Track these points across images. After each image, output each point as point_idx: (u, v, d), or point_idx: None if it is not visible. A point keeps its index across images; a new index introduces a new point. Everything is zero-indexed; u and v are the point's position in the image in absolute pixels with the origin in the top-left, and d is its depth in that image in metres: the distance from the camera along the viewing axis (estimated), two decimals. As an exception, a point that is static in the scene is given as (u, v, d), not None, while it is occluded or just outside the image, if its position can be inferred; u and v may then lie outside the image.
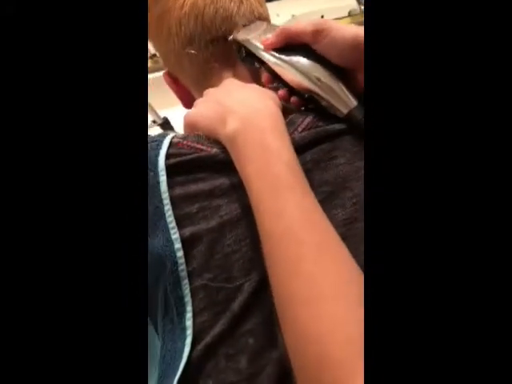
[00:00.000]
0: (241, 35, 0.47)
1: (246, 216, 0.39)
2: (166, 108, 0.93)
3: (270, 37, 0.45)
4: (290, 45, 0.44)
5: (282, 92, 0.45)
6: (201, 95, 0.49)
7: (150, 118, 0.93)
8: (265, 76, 0.47)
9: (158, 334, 0.44)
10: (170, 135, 0.43)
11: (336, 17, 1.15)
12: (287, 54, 0.45)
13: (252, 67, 0.49)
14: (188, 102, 0.54)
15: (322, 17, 1.21)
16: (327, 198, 0.39)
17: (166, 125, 0.92)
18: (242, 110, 0.40)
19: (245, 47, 0.47)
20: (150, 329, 0.45)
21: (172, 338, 0.39)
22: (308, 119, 0.43)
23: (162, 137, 0.42)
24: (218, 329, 0.38)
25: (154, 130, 0.94)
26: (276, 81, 0.47)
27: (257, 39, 0.46)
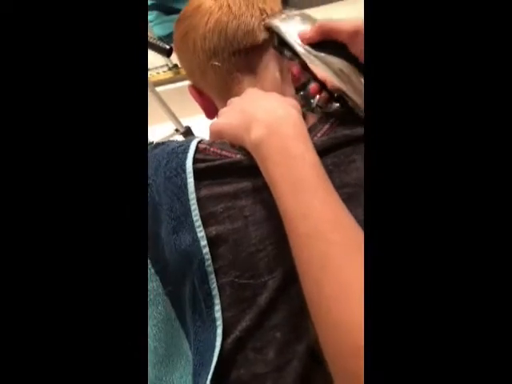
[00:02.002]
0: (276, 22, 0.49)
1: (270, 216, 0.42)
2: (188, 117, 0.96)
3: (308, 31, 0.47)
4: (326, 41, 0.46)
5: (314, 86, 0.48)
6: (224, 105, 0.52)
7: (173, 126, 0.97)
8: (296, 69, 0.49)
9: (184, 331, 0.46)
10: (196, 140, 0.46)
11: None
12: (322, 51, 0.46)
13: (282, 56, 0.51)
14: (212, 112, 0.58)
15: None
16: (348, 199, 0.41)
17: (188, 133, 0.95)
18: (265, 118, 0.42)
19: (278, 35, 0.48)
20: (175, 327, 0.47)
21: (203, 330, 0.42)
22: (327, 126, 0.46)
23: (188, 142, 0.45)
24: (245, 323, 0.40)
25: (176, 138, 0.98)
26: (306, 75, 0.48)
27: (293, 30, 0.48)
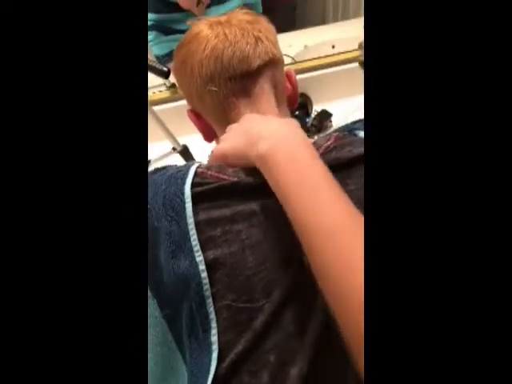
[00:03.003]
0: None
1: (266, 240, 0.43)
2: (185, 135, 0.97)
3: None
4: None
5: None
6: (221, 129, 0.53)
7: (170, 145, 0.98)
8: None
9: (180, 353, 0.47)
10: (195, 165, 0.47)
11: (346, 49, 1.20)
12: None
13: None
14: (209, 136, 0.59)
15: (333, 47, 1.27)
16: None
17: (185, 151, 0.96)
18: (271, 134, 0.43)
19: None
20: (172, 350, 0.48)
21: (199, 354, 0.42)
22: (321, 150, 0.48)
23: (187, 167, 0.47)
24: (241, 346, 0.41)
25: (174, 157, 0.99)
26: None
27: None
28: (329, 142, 0.49)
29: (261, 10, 1.26)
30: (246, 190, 0.44)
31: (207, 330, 0.42)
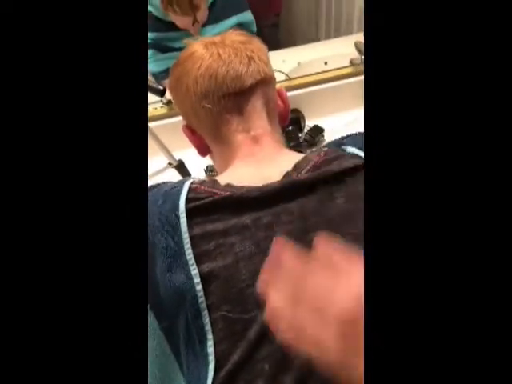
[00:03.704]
0: None
1: (259, 252, 0.44)
2: (180, 150, 1.00)
3: None
4: None
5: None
6: (215, 143, 0.55)
7: (166, 160, 1.00)
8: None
9: (178, 364, 0.48)
10: (189, 181, 0.49)
11: (338, 66, 1.23)
12: None
13: None
14: (204, 150, 0.61)
15: (326, 63, 1.30)
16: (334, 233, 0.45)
17: (181, 166, 0.98)
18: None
19: None
20: (170, 361, 0.49)
21: (196, 365, 0.44)
22: (317, 158, 0.50)
23: (181, 183, 0.49)
24: (236, 356, 0.42)
25: (170, 171, 1.01)
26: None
27: None
28: (317, 158, 0.51)
29: (255, 29, 1.30)
30: (238, 203, 0.46)
31: (203, 342, 0.43)
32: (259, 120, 0.56)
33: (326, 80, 1.21)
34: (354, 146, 0.55)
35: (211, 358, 0.42)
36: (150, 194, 0.49)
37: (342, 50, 1.33)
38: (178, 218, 0.45)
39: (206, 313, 0.43)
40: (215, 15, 1.22)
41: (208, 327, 0.43)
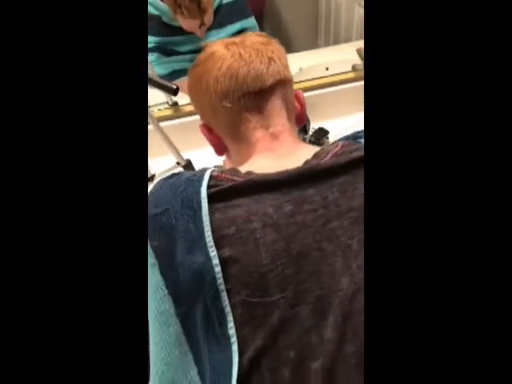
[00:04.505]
0: None
1: (280, 238, 0.45)
2: (186, 151, 1.01)
3: None
4: None
5: None
6: (232, 142, 0.57)
7: (174, 159, 1.01)
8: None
9: (192, 355, 0.47)
10: (210, 170, 0.50)
11: (340, 71, 1.26)
12: None
13: None
14: (221, 149, 0.62)
15: (327, 69, 1.33)
16: (354, 223, 0.46)
17: (188, 166, 0.99)
18: None
19: None
20: (184, 351, 0.48)
21: (218, 349, 0.44)
22: (336, 149, 0.52)
23: (202, 171, 0.50)
24: (258, 342, 0.42)
25: (178, 171, 1.02)
26: None
27: None
28: (337, 149, 0.52)
29: (258, 35, 1.32)
30: (259, 188, 0.47)
31: (224, 324, 0.43)
32: (279, 118, 0.57)
33: (329, 84, 1.23)
34: None
35: (234, 340, 0.43)
36: (171, 180, 0.50)
37: (342, 56, 1.36)
38: (199, 202, 0.46)
39: (224, 294, 0.44)
40: (220, 20, 1.24)
41: (228, 309, 0.43)
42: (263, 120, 0.56)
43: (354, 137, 0.58)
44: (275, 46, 0.58)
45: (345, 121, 1.18)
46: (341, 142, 0.54)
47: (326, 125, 1.17)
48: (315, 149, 0.55)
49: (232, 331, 0.43)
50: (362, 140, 0.56)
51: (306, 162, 0.50)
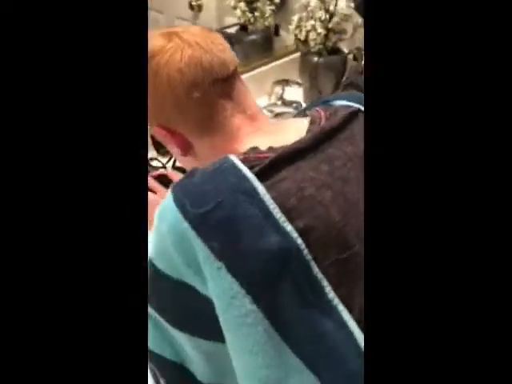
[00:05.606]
0: None
1: (338, 194, 0.46)
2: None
3: None
4: None
5: None
6: (201, 137, 0.54)
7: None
8: None
9: (288, 344, 0.44)
10: (231, 156, 0.47)
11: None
12: None
13: None
14: (186, 149, 0.56)
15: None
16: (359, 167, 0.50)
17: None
18: None
19: None
20: (278, 342, 0.44)
21: (323, 318, 0.43)
22: (322, 112, 0.53)
23: (223, 160, 0.46)
24: (358, 299, 0.43)
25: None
26: None
27: None
28: (322, 112, 0.54)
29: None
30: (292, 159, 0.47)
31: (321, 291, 0.43)
32: (249, 100, 0.55)
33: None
34: (340, 100, 0.58)
35: (336, 301, 0.43)
36: (194, 180, 0.46)
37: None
38: (250, 184, 0.44)
39: (313, 263, 0.43)
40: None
41: (320, 275, 0.43)
42: (237, 105, 0.54)
43: (323, 102, 0.59)
44: (217, 34, 0.56)
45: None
46: (317, 108, 0.56)
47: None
48: (299, 119, 0.56)
49: (331, 294, 0.43)
50: (335, 102, 0.58)
51: (309, 130, 0.52)
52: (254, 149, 0.48)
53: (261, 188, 0.44)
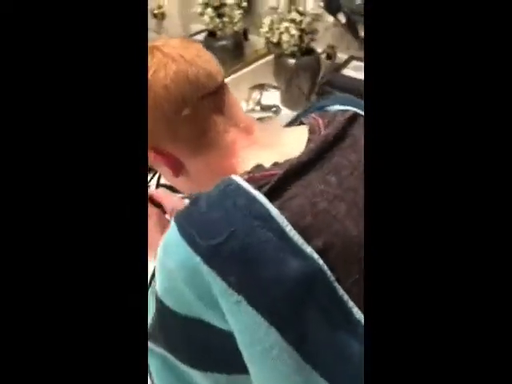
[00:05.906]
0: None
1: (351, 205, 0.45)
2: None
3: None
4: None
5: None
6: (194, 156, 0.50)
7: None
8: None
9: (316, 371, 0.42)
10: (236, 177, 0.44)
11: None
12: None
13: None
14: (178, 169, 0.53)
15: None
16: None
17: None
18: None
19: None
20: (304, 368, 0.42)
21: (356, 338, 0.42)
22: (320, 120, 0.52)
23: (227, 182, 0.43)
24: None
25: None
26: None
27: None
28: (320, 119, 0.52)
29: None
30: (299, 174, 0.45)
31: (347, 312, 0.41)
32: (240, 112, 0.53)
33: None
34: (334, 104, 0.56)
35: (363, 320, 0.42)
36: (201, 207, 0.43)
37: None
38: (262, 206, 0.41)
39: (337, 285, 0.41)
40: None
41: (346, 297, 0.41)
42: (229, 119, 0.51)
43: (319, 107, 0.58)
44: (197, 46, 0.52)
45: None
46: (313, 115, 0.54)
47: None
48: (298, 128, 0.54)
49: (359, 315, 0.41)
50: (330, 107, 0.57)
51: (310, 140, 0.49)
52: (259, 167, 0.46)
53: (273, 210, 0.41)
